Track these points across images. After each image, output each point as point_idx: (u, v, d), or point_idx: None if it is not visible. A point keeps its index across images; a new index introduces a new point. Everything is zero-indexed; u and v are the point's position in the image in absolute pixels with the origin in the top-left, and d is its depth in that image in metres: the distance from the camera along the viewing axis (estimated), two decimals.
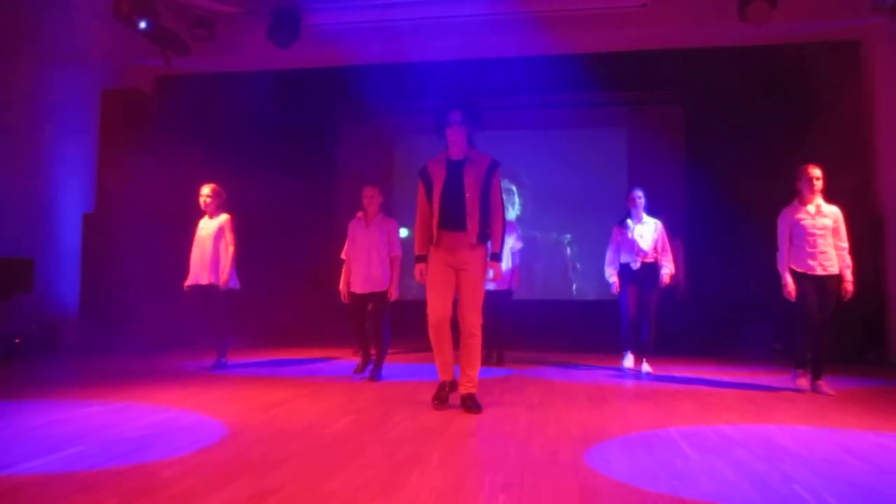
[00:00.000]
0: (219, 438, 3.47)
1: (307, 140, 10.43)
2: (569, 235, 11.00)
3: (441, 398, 4.39)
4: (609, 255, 6.44)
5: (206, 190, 6.31)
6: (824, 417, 4.15)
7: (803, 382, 5.12)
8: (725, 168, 9.20)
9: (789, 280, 5.09)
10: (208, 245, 6.23)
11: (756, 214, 8.46)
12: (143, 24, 7.36)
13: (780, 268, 5.19)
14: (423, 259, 4.41)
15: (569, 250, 11.00)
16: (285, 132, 10.04)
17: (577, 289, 10.94)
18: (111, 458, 3.03)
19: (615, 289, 6.39)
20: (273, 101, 9.43)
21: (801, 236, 5.08)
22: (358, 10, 7.87)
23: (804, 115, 7.98)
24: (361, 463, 3.00)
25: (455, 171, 4.30)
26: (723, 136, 9.21)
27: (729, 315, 8.79)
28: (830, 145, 7.24)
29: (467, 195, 4.24)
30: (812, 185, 5.08)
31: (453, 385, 4.42)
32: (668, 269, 6.25)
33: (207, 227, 6.30)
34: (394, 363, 6.75)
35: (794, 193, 5.21)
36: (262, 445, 3.33)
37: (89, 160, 8.33)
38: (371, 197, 5.71)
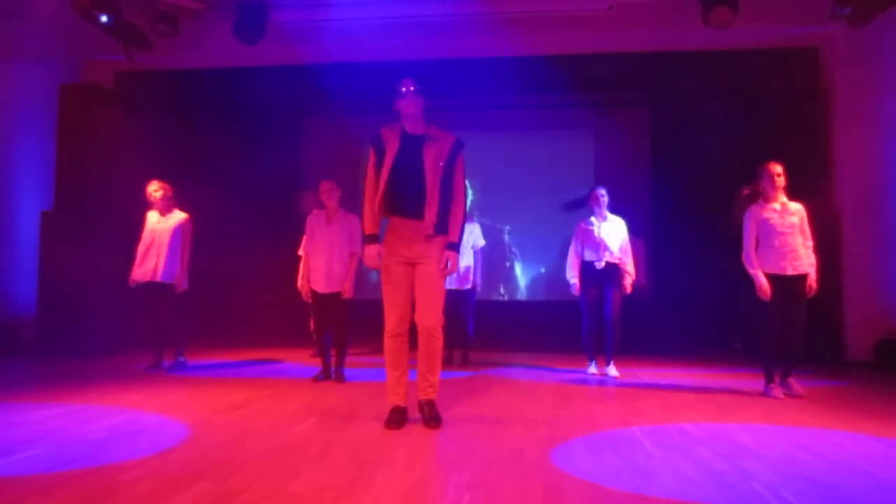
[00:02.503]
0: (181, 440, 3.41)
1: (272, 138, 10.33)
2: (508, 228, 11.06)
3: (396, 421, 3.77)
4: (571, 255, 6.27)
5: (155, 185, 6.23)
6: (782, 416, 4.24)
7: (777, 392, 4.95)
8: (690, 170, 9.38)
9: (763, 280, 4.93)
10: (166, 242, 6.15)
11: (719, 216, 8.62)
12: (104, 19, 7.19)
13: (749, 268, 5.03)
14: (374, 239, 3.82)
15: (513, 248, 11.06)
16: (250, 130, 9.95)
17: (531, 288, 11.00)
18: (68, 461, 2.96)
19: (576, 290, 6.21)
20: (238, 98, 9.32)
21: (770, 235, 4.98)
22: (325, 8, 7.80)
23: (766, 118, 8.16)
24: (326, 463, 2.98)
25: (412, 146, 3.79)
26: (687, 138, 9.37)
27: (690, 315, 8.94)
28: (791, 148, 7.40)
29: (427, 177, 3.72)
30: (774, 182, 5.02)
31: (405, 413, 3.87)
32: (630, 278, 6.17)
33: (163, 223, 6.21)
34: (358, 363, 6.73)
35: (757, 193, 5.15)
36: (226, 447, 3.28)
37: (48, 156, 8.11)
38: (329, 191, 5.55)
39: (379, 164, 3.82)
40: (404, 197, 3.76)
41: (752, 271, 5.02)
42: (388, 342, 3.85)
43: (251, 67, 8.80)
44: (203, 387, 5.27)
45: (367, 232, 3.84)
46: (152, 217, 6.25)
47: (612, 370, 6.11)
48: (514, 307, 10.80)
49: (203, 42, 8.32)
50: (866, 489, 2.69)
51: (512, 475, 2.82)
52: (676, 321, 9.06)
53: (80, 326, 7.44)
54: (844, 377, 6.23)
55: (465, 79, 8.52)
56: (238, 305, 9.55)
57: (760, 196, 5.14)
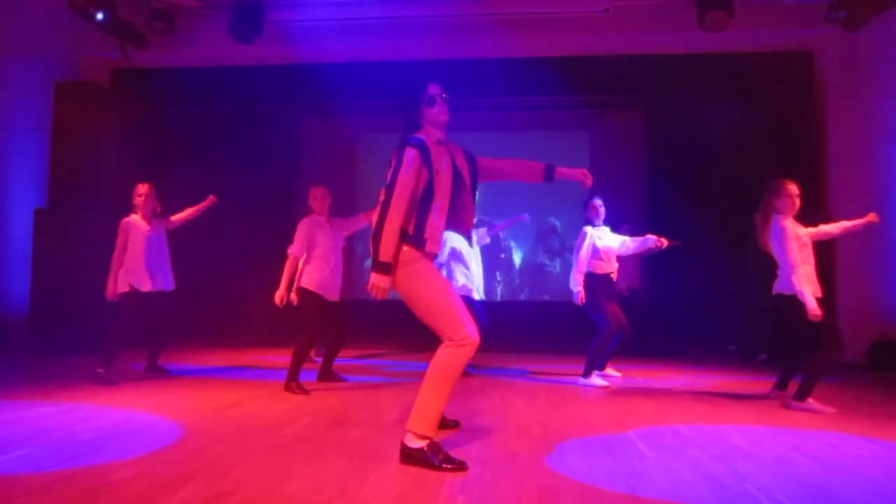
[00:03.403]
0: (174, 440, 3.40)
1: (267, 137, 10.33)
2: (512, 239, 11.06)
3: (455, 460, 3.00)
4: (580, 262, 5.79)
5: (146, 188, 5.81)
6: (775, 418, 4.25)
7: (818, 404, 4.58)
8: (685, 171, 9.40)
9: (814, 301, 4.50)
10: (164, 249, 5.86)
11: (713, 217, 8.66)
12: (99, 16, 7.17)
13: (800, 287, 4.52)
14: (389, 269, 3.07)
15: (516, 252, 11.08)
16: (245, 129, 9.95)
17: (527, 290, 11.01)
18: (61, 461, 2.94)
19: (580, 299, 5.77)
20: (233, 97, 9.31)
21: (806, 254, 4.67)
22: (321, 8, 7.80)
23: (761, 120, 8.20)
24: (320, 464, 2.97)
25: (453, 158, 3.33)
26: (682, 140, 9.40)
27: (685, 317, 8.97)
28: (785, 150, 7.44)
29: (472, 190, 3.40)
30: (794, 203, 4.71)
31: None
32: (656, 242, 5.78)
33: (155, 229, 5.81)
34: (352, 365, 6.72)
35: (769, 208, 4.79)
36: (219, 446, 3.27)
37: (42, 153, 8.09)
38: (323, 198, 5.45)
39: (430, 180, 3.17)
40: (459, 213, 3.33)
41: (803, 291, 4.51)
42: (469, 356, 3.08)
43: (247, 66, 8.79)
44: (196, 387, 5.25)
45: (386, 259, 3.07)
46: (140, 224, 5.76)
47: (615, 371, 6.17)
48: (511, 308, 10.80)
49: (199, 40, 8.31)
50: (860, 491, 2.69)
51: (506, 476, 2.82)
52: (671, 323, 9.08)
53: (73, 324, 7.41)
54: (835, 380, 6.24)
55: (460, 80, 8.51)
56: (232, 306, 9.54)
57: (775, 212, 4.79)
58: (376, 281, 3.06)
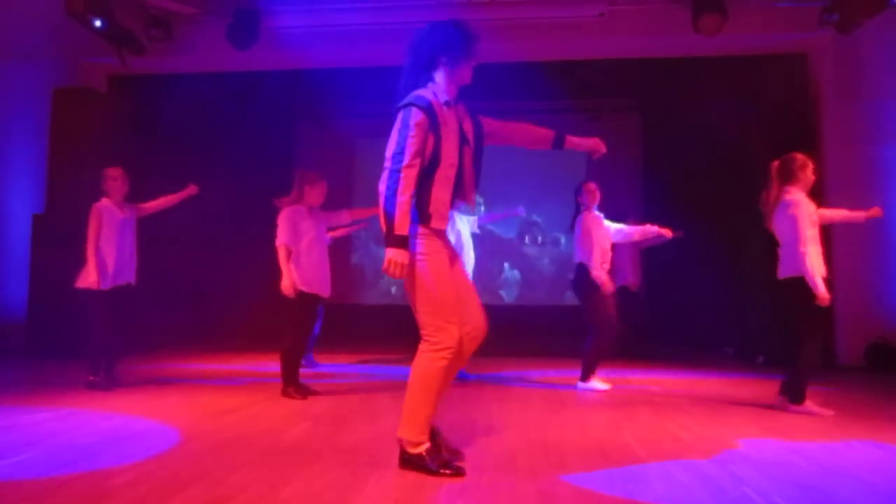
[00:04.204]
0: (172, 445, 3.40)
1: (264, 143, 10.35)
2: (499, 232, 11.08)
3: (454, 465, 2.94)
4: (594, 249, 5.48)
5: (118, 172, 5.44)
6: (773, 421, 4.26)
7: (816, 407, 4.49)
8: (680, 174, 9.42)
9: (824, 287, 4.31)
10: (133, 238, 5.51)
11: (710, 219, 8.67)
12: (97, 23, 7.19)
13: (811, 270, 4.32)
14: (405, 243, 2.85)
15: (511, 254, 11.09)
16: (243, 135, 9.96)
17: (524, 292, 11.01)
18: (59, 466, 2.94)
19: (610, 287, 5.48)
20: (231, 103, 9.33)
21: (814, 234, 4.43)
22: (318, 14, 7.82)
23: (756, 123, 8.22)
24: (318, 469, 2.97)
25: (459, 122, 3.06)
26: (678, 143, 9.42)
27: (681, 320, 8.97)
28: (780, 153, 7.42)
29: (477, 155, 3.14)
30: (812, 181, 4.52)
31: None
32: (661, 234, 5.74)
33: (127, 216, 5.46)
34: (351, 369, 6.72)
35: (791, 180, 4.61)
36: (217, 452, 3.27)
37: (39, 159, 8.10)
38: (321, 191, 5.31)
39: (436, 147, 2.92)
40: (468, 182, 3.07)
41: (816, 278, 4.32)
42: (447, 363, 2.90)
43: (244, 72, 8.81)
44: (194, 391, 5.24)
45: (402, 231, 2.81)
46: (114, 210, 5.39)
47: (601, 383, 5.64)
48: (508, 311, 10.80)
49: (196, 47, 8.33)
50: (858, 494, 2.70)
51: (504, 481, 2.82)
52: (667, 326, 9.08)
53: (71, 329, 7.39)
54: (834, 382, 6.25)
55: None
56: (230, 309, 9.53)
57: (790, 185, 4.58)
58: (394, 257, 2.80)
